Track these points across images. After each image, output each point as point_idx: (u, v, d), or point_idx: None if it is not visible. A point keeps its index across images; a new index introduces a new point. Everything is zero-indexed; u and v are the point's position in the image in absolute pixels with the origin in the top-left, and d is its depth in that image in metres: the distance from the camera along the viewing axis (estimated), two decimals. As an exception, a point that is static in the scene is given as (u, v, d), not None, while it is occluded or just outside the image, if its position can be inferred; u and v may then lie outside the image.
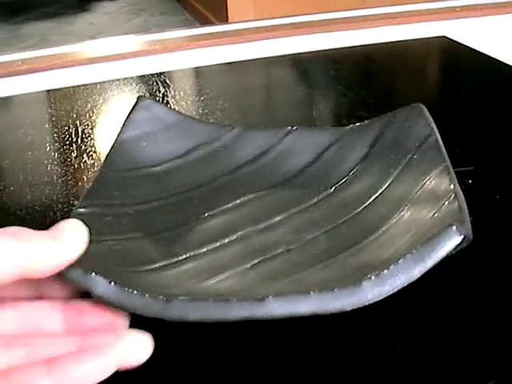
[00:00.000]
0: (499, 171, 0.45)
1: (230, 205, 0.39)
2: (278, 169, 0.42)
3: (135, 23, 1.82)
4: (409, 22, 0.87)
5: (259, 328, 0.30)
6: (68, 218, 0.31)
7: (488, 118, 0.55)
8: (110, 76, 0.70)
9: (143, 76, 0.69)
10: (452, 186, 0.32)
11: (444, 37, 0.77)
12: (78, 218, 0.33)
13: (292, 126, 0.43)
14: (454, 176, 0.33)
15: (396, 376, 0.28)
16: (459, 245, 0.28)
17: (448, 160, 0.35)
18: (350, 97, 0.62)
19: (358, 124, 0.42)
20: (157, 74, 0.69)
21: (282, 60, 0.75)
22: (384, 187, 0.37)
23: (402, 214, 0.34)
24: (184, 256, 0.34)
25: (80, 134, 0.54)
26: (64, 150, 0.51)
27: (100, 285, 0.28)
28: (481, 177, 0.44)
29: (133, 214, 0.37)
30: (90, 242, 0.30)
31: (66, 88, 0.67)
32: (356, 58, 0.75)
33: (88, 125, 0.56)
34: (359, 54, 0.76)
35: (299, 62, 0.74)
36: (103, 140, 0.53)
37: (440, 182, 0.34)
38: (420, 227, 0.31)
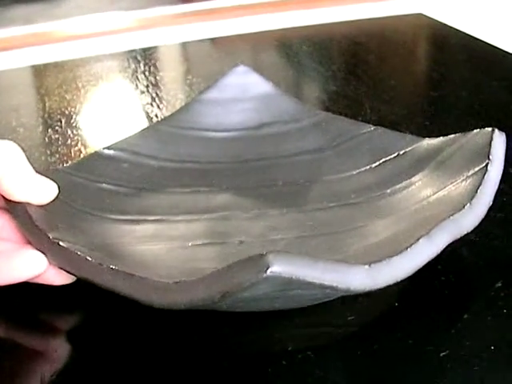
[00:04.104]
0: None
1: (242, 186, 0.37)
2: (330, 166, 0.38)
3: (122, 6, 1.82)
4: (386, -1, 0.88)
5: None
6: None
7: (460, 93, 0.55)
8: (95, 52, 0.70)
9: (128, 52, 0.69)
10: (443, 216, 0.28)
11: (421, 14, 0.77)
12: (94, 157, 0.35)
13: (376, 125, 0.39)
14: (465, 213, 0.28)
15: (351, 348, 0.28)
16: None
17: (479, 197, 0.29)
18: (322, 72, 0.62)
19: (435, 140, 0.36)
20: (140, 49, 0.69)
21: (263, 36, 0.76)
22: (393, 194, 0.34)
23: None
24: (153, 218, 0.33)
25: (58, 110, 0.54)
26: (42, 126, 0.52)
27: (19, 211, 0.29)
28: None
29: (154, 168, 0.36)
30: (86, 179, 0.32)
31: (49, 63, 0.67)
32: (332, 35, 0.75)
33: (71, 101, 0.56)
34: (336, 30, 0.76)
35: (279, 39, 0.74)
36: (81, 118, 0.53)
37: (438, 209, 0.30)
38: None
